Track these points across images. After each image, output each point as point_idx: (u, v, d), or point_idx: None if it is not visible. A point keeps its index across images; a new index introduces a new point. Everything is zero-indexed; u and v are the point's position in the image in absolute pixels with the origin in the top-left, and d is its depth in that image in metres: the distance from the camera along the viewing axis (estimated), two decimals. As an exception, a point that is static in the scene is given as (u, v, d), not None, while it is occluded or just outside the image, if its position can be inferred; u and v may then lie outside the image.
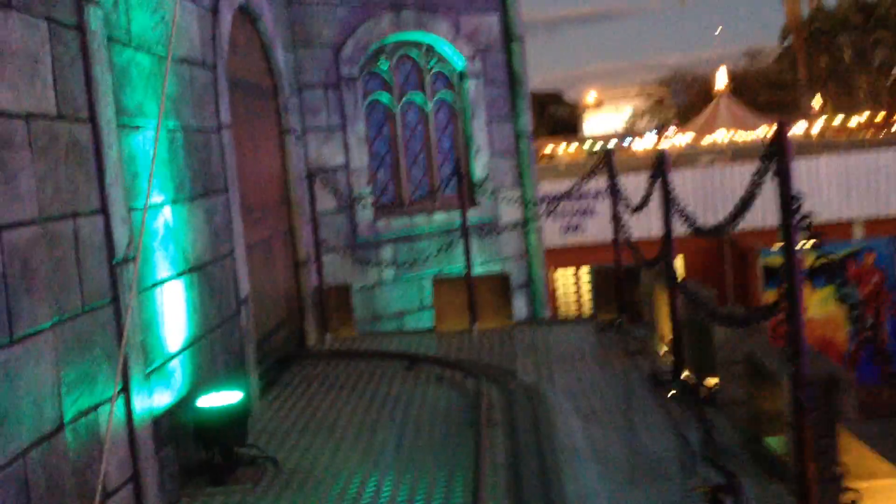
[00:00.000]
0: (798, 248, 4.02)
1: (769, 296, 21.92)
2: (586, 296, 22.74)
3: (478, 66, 11.03)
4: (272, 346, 7.70)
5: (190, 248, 5.60)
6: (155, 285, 5.00)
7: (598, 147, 61.88)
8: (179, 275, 5.37)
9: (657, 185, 6.88)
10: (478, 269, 10.75)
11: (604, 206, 23.09)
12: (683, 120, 75.73)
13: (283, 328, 8.10)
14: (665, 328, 7.46)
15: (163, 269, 5.11)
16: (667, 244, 6.74)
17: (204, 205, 5.95)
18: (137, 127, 4.89)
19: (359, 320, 9.69)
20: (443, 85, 10.90)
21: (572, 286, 22.24)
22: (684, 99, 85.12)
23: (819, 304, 21.76)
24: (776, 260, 23.47)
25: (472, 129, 10.94)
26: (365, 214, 9.77)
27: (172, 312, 5.20)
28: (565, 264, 21.04)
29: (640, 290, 8.76)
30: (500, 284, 9.28)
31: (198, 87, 6.06)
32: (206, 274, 5.85)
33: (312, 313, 8.90)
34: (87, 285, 4.10)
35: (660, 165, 6.87)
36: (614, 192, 8.69)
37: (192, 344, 5.48)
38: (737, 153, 41.49)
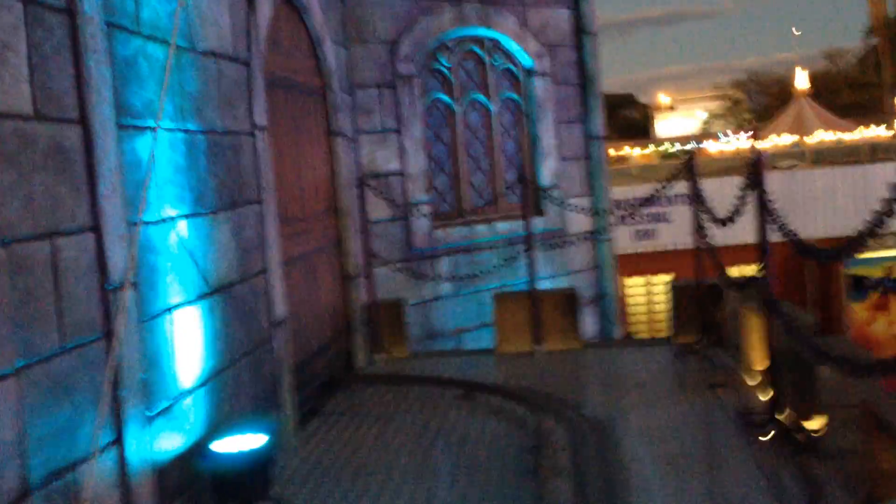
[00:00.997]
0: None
1: (856, 309, 20.66)
2: (658, 306, 21.69)
3: (546, 64, 10.21)
4: (315, 369, 7.00)
5: (211, 266, 4.91)
6: (164, 312, 4.31)
7: (672, 149, 60.28)
8: (197, 299, 4.69)
9: (748, 191, 6.02)
10: (543, 284, 9.94)
11: (678, 212, 22.06)
12: (760, 122, 73.60)
13: (328, 349, 7.41)
14: (755, 357, 6.57)
15: (175, 293, 4.43)
16: (762, 259, 5.88)
17: (231, 217, 5.26)
18: (146, 128, 4.22)
19: (413, 339, 8.96)
20: (508, 84, 10.11)
21: (643, 296, 21.20)
22: (761, 101, 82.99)
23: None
24: (862, 270, 22.06)
25: (538, 132, 10.13)
26: (421, 224, 9.04)
27: (187, 343, 4.52)
28: (636, 272, 20.06)
29: (724, 309, 7.87)
30: (567, 301, 8.45)
31: (227, 84, 5.38)
32: (231, 296, 5.16)
33: (361, 332, 8.19)
34: (68, 318, 3.43)
35: (754, 170, 5.99)
36: (697, 198, 7.80)
37: (213, 377, 4.80)
38: (818, 156, 39.76)
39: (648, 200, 8.24)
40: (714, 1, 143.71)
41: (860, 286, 20.77)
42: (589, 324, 10.42)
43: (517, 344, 8.41)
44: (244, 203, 5.50)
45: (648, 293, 21.44)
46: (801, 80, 55.44)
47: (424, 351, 8.81)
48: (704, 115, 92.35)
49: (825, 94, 66.82)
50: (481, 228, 9.58)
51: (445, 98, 9.53)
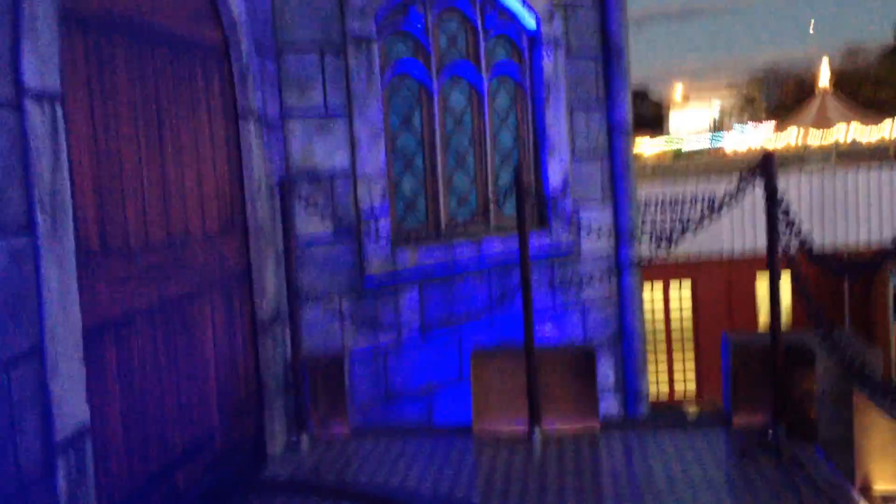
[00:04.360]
0: None
1: (902, 329, 18.16)
2: (677, 313, 19.57)
3: (557, 28, 7.62)
4: (180, 481, 4.46)
5: None
6: None
7: (685, 146, 57.68)
8: None
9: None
10: (544, 325, 7.37)
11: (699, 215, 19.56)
12: (775, 118, 71.05)
13: (209, 445, 4.85)
14: (878, 472, 4.06)
15: None
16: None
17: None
18: None
19: (364, 403, 6.42)
20: (505, 54, 7.52)
21: (660, 304, 19.20)
22: (776, 97, 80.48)
23: None
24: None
25: (545, 120, 7.54)
26: (378, 244, 6.46)
27: None
28: (652, 277, 17.83)
29: (813, 382, 5.35)
30: (580, 362, 5.89)
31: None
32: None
33: (278, 405, 5.65)
34: None
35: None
36: (773, 206, 5.27)
37: None
38: (842, 155, 37.04)
39: (715, 207, 5.57)
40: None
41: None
42: (604, 373, 7.86)
43: (507, 421, 5.86)
44: (-15, 234, 2.95)
45: (666, 300, 19.45)
46: (825, 75, 52.86)
47: (374, 427, 6.24)
48: (718, 110, 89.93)
49: (846, 90, 64.25)
50: (465, 249, 7.00)
51: (417, 71, 6.94)
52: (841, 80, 64.62)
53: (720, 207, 5.34)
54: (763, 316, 20.72)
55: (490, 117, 7.35)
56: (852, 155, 36.37)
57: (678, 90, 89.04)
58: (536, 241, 7.23)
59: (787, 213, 5.25)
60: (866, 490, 4.35)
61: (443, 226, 7.03)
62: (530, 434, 5.73)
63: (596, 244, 7.74)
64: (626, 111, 7.92)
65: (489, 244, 7.10)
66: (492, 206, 7.34)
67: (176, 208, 4.52)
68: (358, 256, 6.43)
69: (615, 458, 5.41)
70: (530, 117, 7.58)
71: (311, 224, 6.09)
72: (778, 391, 5.45)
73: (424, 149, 7.01)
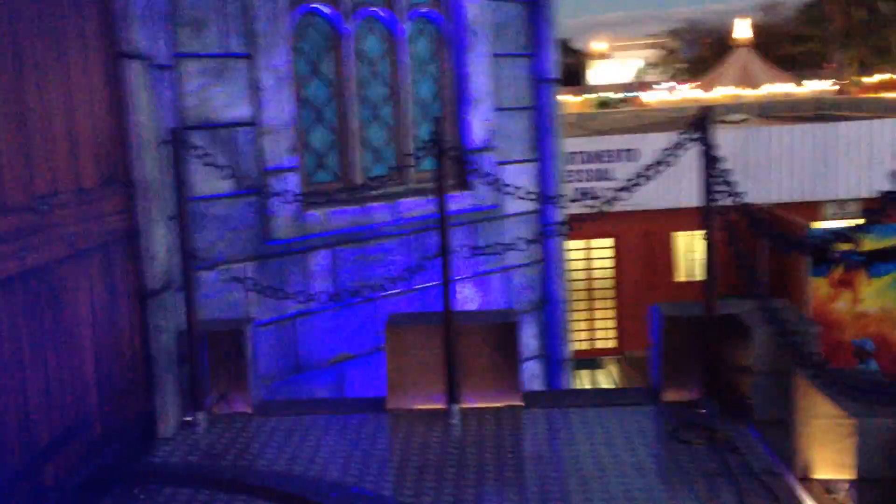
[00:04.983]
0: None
1: (818, 285, 18.30)
2: (598, 272, 19.49)
3: (480, -30, 7.08)
4: (50, 475, 3.91)
5: None
6: None
7: (610, 97, 57.75)
8: None
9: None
10: (466, 287, 6.95)
11: (623, 170, 19.35)
12: (694, 73, 71.63)
13: (87, 431, 4.29)
14: (810, 442, 3.75)
15: None
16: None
17: None
18: None
19: (270, 375, 5.91)
20: (425, -3, 6.96)
21: (583, 261, 19.06)
22: (696, 51, 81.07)
23: (875, 296, 18.37)
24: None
25: (467, 68, 7.03)
26: (285, 203, 5.89)
27: None
28: (575, 236, 17.58)
29: (749, 354, 5.02)
30: (502, 332, 5.46)
31: None
32: None
33: (172, 378, 5.09)
34: None
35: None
36: (710, 161, 4.89)
37: None
38: (765, 111, 37.42)
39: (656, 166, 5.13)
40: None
41: (822, 260, 18.60)
42: (527, 341, 7.48)
43: (423, 397, 5.42)
44: None
45: (588, 258, 19.26)
46: (743, 30, 53.23)
47: (279, 400, 5.73)
48: (640, 63, 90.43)
49: (764, 46, 64.92)
50: (380, 209, 6.49)
51: (326, 11, 6.34)
52: (759, 37, 65.26)
53: (658, 165, 4.92)
54: (681, 272, 20.72)
55: (408, 65, 6.80)
56: (773, 111, 36.77)
57: (599, 44, 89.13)
58: (457, 201, 6.76)
59: (723, 171, 4.88)
60: (806, 478, 4.03)
61: (356, 184, 6.49)
62: (448, 410, 5.30)
63: (520, 204, 7.29)
64: (552, 60, 7.46)
65: (407, 204, 6.59)
66: (408, 163, 6.82)
67: (40, 164, 3.89)
68: (262, 216, 5.86)
69: (539, 437, 5.02)
70: (451, 65, 7.05)
71: (209, 180, 5.49)
72: (710, 366, 5.12)
73: (336, 98, 6.44)
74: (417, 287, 6.63)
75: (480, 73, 7.06)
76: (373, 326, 6.45)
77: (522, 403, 5.41)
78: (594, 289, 20.14)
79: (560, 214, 7.35)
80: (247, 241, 5.77)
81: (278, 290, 5.49)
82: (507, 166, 7.30)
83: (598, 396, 5.46)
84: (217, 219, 5.62)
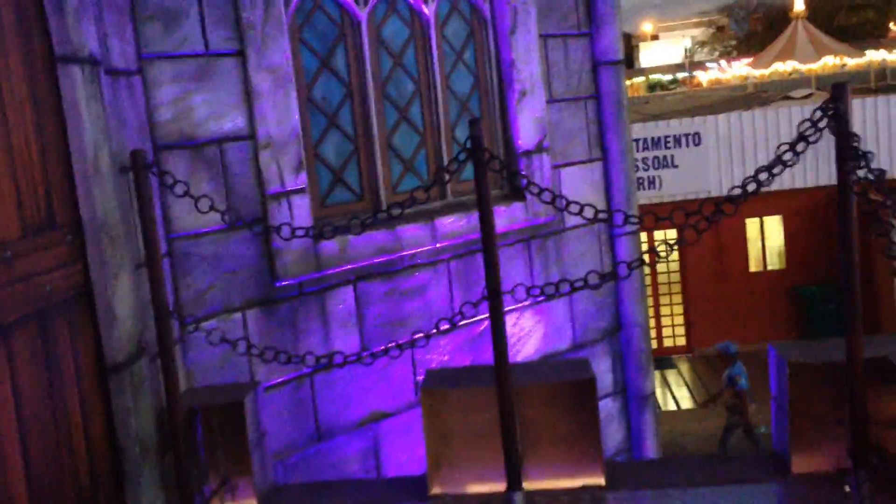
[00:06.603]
0: None
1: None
2: (661, 264, 18.14)
3: (523, -66, 5.81)
4: None
5: None
6: None
7: (661, 78, 55.96)
8: None
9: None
10: (524, 320, 5.72)
11: (686, 156, 17.95)
12: (744, 50, 69.40)
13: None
14: None
15: None
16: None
17: None
18: None
19: (286, 448, 4.75)
20: (457, -30, 5.72)
21: (644, 252, 17.54)
22: (745, 27, 78.76)
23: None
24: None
25: (512, 52, 5.79)
26: (294, 234, 4.70)
27: None
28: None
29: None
30: (575, 390, 4.22)
31: None
32: None
33: (150, 471, 3.94)
34: None
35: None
36: (846, 140, 3.61)
37: None
38: (823, 83, 35.50)
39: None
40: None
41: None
42: (601, 374, 6.23)
43: (476, 469, 4.21)
44: None
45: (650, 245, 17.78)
46: (798, 2, 51.24)
47: (293, 486, 4.55)
48: (687, 43, 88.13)
49: (819, 18, 62.58)
50: (412, 231, 5.28)
51: (339, -7, 5.13)
52: (812, 8, 62.95)
53: (796, 146, 3.67)
54: (754, 262, 19.17)
55: (440, 53, 5.58)
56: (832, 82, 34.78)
57: (647, 26, 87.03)
58: (507, 215, 5.53)
59: (859, 148, 3.63)
60: None
61: (383, 202, 5.28)
62: (509, 496, 4.08)
63: (584, 214, 6.02)
64: (616, 38, 6.18)
65: (445, 224, 5.37)
66: (450, 171, 5.58)
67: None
68: (265, 252, 4.69)
69: (631, 536, 3.78)
70: (491, 52, 5.82)
71: (193, 213, 4.33)
72: (857, 426, 3.83)
73: (352, 98, 5.23)
74: (463, 323, 5.42)
75: (528, 59, 5.80)
76: (409, 376, 5.25)
77: (604, 482, 4.16)
78: (659, 283, 18.81)
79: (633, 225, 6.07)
80: (246, 284, 4.60)
81: (291, 341, 4.31)
82: (566, 169, 6.05)
83: (704, 469, 4.21)
84: (205, 260, 4.45)
